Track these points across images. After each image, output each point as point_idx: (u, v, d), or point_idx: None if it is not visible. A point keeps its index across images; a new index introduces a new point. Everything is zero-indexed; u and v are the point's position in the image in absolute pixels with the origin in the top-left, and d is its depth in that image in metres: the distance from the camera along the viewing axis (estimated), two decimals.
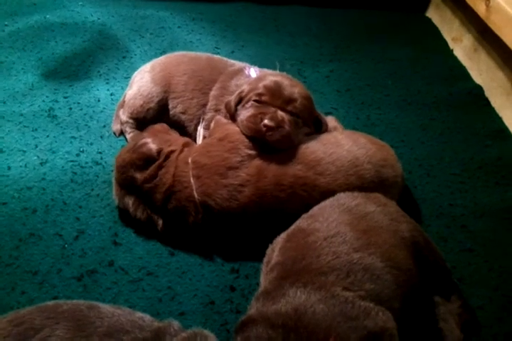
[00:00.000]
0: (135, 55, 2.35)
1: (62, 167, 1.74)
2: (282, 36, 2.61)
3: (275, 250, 1.30)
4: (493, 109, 2.14)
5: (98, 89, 2.11)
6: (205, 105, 1.74)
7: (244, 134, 1.52)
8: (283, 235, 1.33)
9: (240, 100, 1.60)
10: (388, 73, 2.36)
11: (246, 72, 1.76)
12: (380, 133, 1.93)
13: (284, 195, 1.44)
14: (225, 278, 1.44)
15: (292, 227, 1.33)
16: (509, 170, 1.83)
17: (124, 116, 1.82)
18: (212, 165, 1.46)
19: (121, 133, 1.87)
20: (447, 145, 1.94)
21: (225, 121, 1.63)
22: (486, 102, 2.18)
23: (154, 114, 1.78)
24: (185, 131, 1.76)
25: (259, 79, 1.62)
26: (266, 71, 1.78)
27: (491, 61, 2.21)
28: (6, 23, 2.47)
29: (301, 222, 1.32)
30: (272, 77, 1.60)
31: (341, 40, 2.60)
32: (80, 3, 2.69)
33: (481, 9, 2.17)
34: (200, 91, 1.76)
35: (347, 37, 2.63)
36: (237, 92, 1.63)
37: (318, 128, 1.63)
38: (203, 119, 1.73)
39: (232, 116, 1.61)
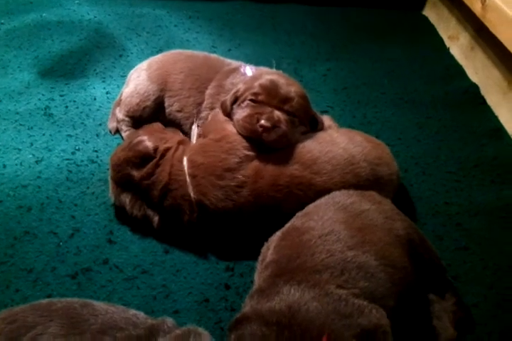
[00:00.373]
0: (131, 53, 2.34)
1: (58, 165, 1.74)
2: (279, 35, 2.61)
3: (270, 248, 1.30)
4: (489, 108, 2.15)
5: (94, 88, 2.11)
6: (201, 103, 1.74)
7: (240, 134, 1.51)
8: (278, 233, 1.33)
9: (235, 99, 1.59)
10: (385, 72, 2.36)
11: (242, 70, 1.76)
12: (377, 132, 1.94)
13: (281, 194, 1.43)
14: (220, 276, 1.44)
15: (287, 226, 1.33)
16: (505, 168, 1.83)
17: (120, 114, 1.82)
18: (209, 165, 1.46)
19: (117, 131, 1.87)
20: (443, 144, 1.94)
21: (221, 117, 1.62)
22: (482, 101, 2.18)
23: (151, 112, 1.78)
24: (181, 129, 1.76)
25: (254, 78, 1.62)
26: (262, 69, 1.78)
27: (487, 59, 2.21)
28: (2, 21, 2.47)
29: (296, 221, 1.32)
30: (268, 75, 1.59)
31: (338, 39, 2.59)
32: (77, 1, 2.69)
33: (477, 7, 2.17)
34: (197, 89, 1.76)
35: (344, 36, 2.63)
36: (232, 91, 1.62)
37: (314, 126, 1.63)
38: (199, 117, 1.73)
39: (228, 115, 1.61)
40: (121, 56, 2.32)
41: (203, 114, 1.73)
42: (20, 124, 1.90)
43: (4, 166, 1.72)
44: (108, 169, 1.59)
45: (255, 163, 1.46)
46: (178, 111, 1.76)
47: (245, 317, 1.07)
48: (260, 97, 1.51)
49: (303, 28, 2.67)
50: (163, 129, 1.66)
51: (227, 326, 1.12)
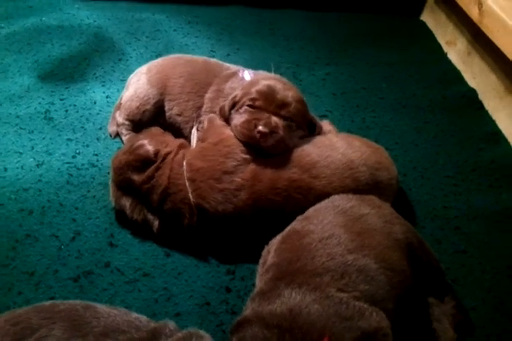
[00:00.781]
0: (131, 57, 2.35)
1: (59, 169, 1.74)
2: (278, 40, 2.62)
3: (271, 251, 1.31)
4: (486, 112, 2.16)
5: (94, 92, 2.12)
6: (200, 107, 1.75)
7: (238, 139, 1.53)
8: (278, 237, 1.33)
9: (233, 104, 1.60)
10: (383, 76, 2.37)
11: (240, 74, 1.77)
12: (375, 136, 1.95)
13: (280, 198, 1.44)
14: (221, 279, 1.45)
15: (287, 229, 1.34)
16: (502, 172, 1.84)
17: (120, 118, 1.83)
18: (208, 169, 1.47)
19: (117, 135, 1.87)
20: (441, 148, 1.96)
21: (219, 122, 1.63)
22: (480, 105, 2.20)
23: (150, 116, 1.78)
24: (181, 133, 1.77)
25: (252, 83, 1.62)
26: (260, 73, 1.78)
27: (484, 64, 2.23)
28: (2, 25, 2.48)
29: (296, 224, 1.33)
30: (265, 81, 1.59)
31: (337, 44, 2.61)
32: (76, 5, 2.70)
33: (473, 13, 2.19)
34: (196, 93, 1.77)
35: (342, 40, 2.64)
36: (230, 97, 1.63)
37: (312, 130, 1.64)
38: (198, 121, 1.74)
39: (226, 121, 1.62)
40: (120, 60, 2.33)
41: (203, 118, 1.74)
42: (21, 128, 1.91)
43: (5, 169, 1.72)
44: (109, 172, 1.60)
45: (253, 167, 1.47)
46: (178, 115, 1.77)
47: (247, 320, 1.08)
48: (258, 103, 1.52)
49: (301, 33, 2.69)
50: (163, 133, 1.67)
51: (228, 329, 1.13)
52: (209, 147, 1.53)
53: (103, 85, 2.16)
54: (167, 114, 1.78)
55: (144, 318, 1.10)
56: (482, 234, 1.62)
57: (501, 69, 2.10)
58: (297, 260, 1.18)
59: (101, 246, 1.51)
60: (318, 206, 1.38)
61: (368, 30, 2.75)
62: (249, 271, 1.46)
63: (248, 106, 1.53)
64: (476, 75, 2.30)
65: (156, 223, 1.51)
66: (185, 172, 1.48)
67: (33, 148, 1.82)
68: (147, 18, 2.67)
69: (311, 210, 1.37)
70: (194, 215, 1.46)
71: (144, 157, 1.50)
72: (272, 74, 1.76)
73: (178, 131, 1.77)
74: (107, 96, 2.09)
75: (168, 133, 1.70)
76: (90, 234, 1.54)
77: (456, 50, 2.51)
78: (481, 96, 2.24)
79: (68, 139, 1.87)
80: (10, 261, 1.45)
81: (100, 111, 2.02)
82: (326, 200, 1.39)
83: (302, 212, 1.38)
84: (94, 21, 2.56)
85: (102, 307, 1.10)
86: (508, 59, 1.93)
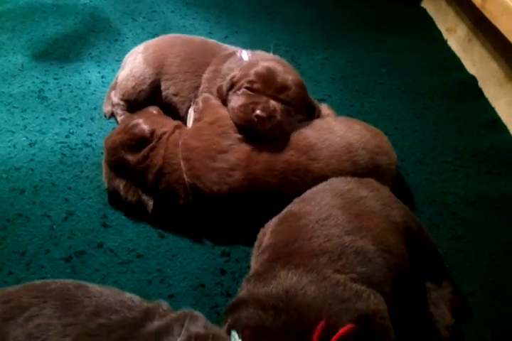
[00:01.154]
0: (127, 38, 2.32)
1: (52, 148, 1.72)
2: (276, 24, 2.58)
3: (266, 234, 1.29)
4: (486, 100, 2.14)
5: (89, 72, 2.08)
6: (197, 88, 1.72)
7: (234, 123, 1.50)
8: (274, 219, 1.32)
9: (231, 85, 1.57)
10: (383, 62, 2.35)
11: (238, 55, 1.74)
12: (374, 121, 1.91)
13: (276, 180, 1.42)
14: (216, 261, 1.43)
15: (284, 211, 1.32)
16: (501, 159, 1.83)
17: (115, 97, 1.80)
18: (203, 149, 1.45)
19: (112, 115, 1.85)
20: (440, 134, 1.94)
21: (214, 101, 1.61)
22: (480, 93, 2.18)
23: (146, 96, 1.76)
24: (178, 113, 1.74)
25: (251, 64, 1.59)
26: (259, 54, 1.75)
27: (485, 52, 2.21)
28: None
29: (293, 206, 1.31)
30: (265, 62, 1.56)
31: (335, 29, 2.57)
32: None
33: None
34: (193, 73, 1.74)
35: (341, 26, 2.60)
36: (229, 77, 1.60)
37: (311, 114, 1.62)
38: (195, 102, 1.71)
39: (224, 101, 1.59)
40: (116, 40, 2.29)
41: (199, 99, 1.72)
42: (14, 107, 1.87)
43: None
44: (102, 153, 1.58)
45: (249, 148, 1.45)
46: (174, 94, 1.74)
47: (242, 301, 1.06)
48: (256, 85, 1.49)
49: (300, 17, 2.65)
50: (159, 113, 1.65)
51: (223, 310, 1.11)
52: (205, 126, 1.51)
53: (98, 65, 2.13)
54: (163, 94, 1.75)
55: (136, 298, 1.08)
56: (480, 219, 1.60)
57: (502, 57, 2.08)
58: (294, 241, 1.16)
59: (94, 226, 1.49)
60: (315, 188, 1.36)
61: (367, 15, 2.71)
62: (244, 253, 1.44)
63: (246, 88, 1.50)
64: (476, 62, 2.27)
65: (151, 204, 1.48)
66: (180, 152, 1.45)
67: (25, 127, 1.79)
68: None
69: (308, 192, 1.35)
70: (189, 195, 1.44)
71: (140, 136, 1.47)
72: (271, 55, 1.74)
73: (175, 111, 1.74)
74: (102, 77, 2.06)
75: (165, 115, 1.67)
76: (83, 215, 1.52)
77: (456, 37, 2.49)
78: (480, 84, 2.22)
79: (62, 119, 1.84)
80: (1, 241, 1.43)
81: (95, 91, 1.98)
82: (324, 183, 1.37)
83: (299, 194, 1.36)
84: (90, 1, 2.52)
85: (94, 287, 1.07)
86: (508, 46, 1.91)
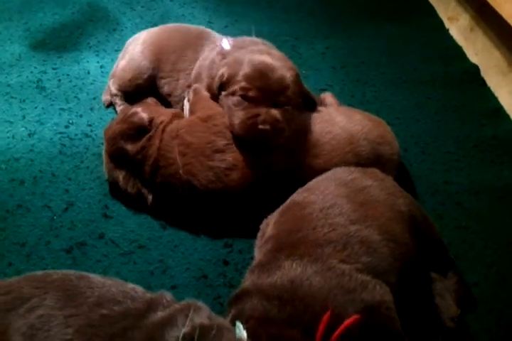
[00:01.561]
0: (126, 27, 2.29)
1: (51, 139, 1.71)
2: (276, 12, 2.55)
3: (269, 224, 1.28)
4: (488, 89, 2.12)
5: (88, 61, 2.07)
6: (190, 86, 1.69)
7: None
8: (278, 210, 1.30)
9: (221, 85, 1.49)
10: (384, 51, 2.32)
11: (218, 43, 1.67)
12: (376, 111, 1.89)
13: (277, 179, 1.41)
14: (218, 252, 1.42)
15: (287, 201, 1.31)
16: (504, 149, 1.82)
17: (113, 87, 1.78)
18: (198, 146, 1.42)
19: (111, 104, 1.83)
20: (442, 124, 1.92)
21: (205, 93, 1.57)
22: (482, 82, 2.16)
23: (143, 89, 1.75)
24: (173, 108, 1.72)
25: (237, 60, 1.49)
26: (240, 40, 1.66)
27: (488, 41, 2.18)
28: None
29: (297, 196, 1.30)
30: (252, 56, 1.47)
31: (337, 18, 2.54)
32: None
33: None
34: (185, 72, 1.71)
35: (342, 14, 2.57)
36: (217, 76, 1.51)
37: (310, 106, 1.58)
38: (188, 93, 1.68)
39: (215, 99, 1.53)
40: (115, 30, 2.27)
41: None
42: (12, 97, 1.86)
43: None
44: (102, 143, 1.56)
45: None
46: (168, 95, 1.72)
47: (246, 292, 1.05)
48: (251, 94, 1.40)
49: (300, 5, 2.62)
50: (157, 104, 1.63)
51: (226, 301, 1.10)
52: (198, 123, 1.48)
53: (97, 55, 2.11)
54: (159, 91, 1.73)
55: (139, 289, 1.07)
56: (483, 209, 1.59)
57: (505, 45, 2.06)
58: (298, 231, 1.15)
59: (95, 217, 1.48)
60: (319, 178, 1.35)
61: (368, 4, 2.68)
62: (247, 244, 1.43)
63: (241, 96, 1.41)
64: (478, 51, 2.25)
65: (150, 197, 1.47)
66: (177, 147, 1.43)
67: (24, 117, 1.78)
68: None
69: (311, 182, 1.34)
70: (185, 190, 1.42)
71: (138, 124, 1.45)
72: (254, 39, 1.66)
73: (170, 107, 1.72)
74: (101, 66, 2.04)
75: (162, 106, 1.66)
76: (84, 205, 1.51)
77: (457, 26, 2.46)
78: (483, 73, 2.20)
79: (61, 109, 1.83)
80: (0, 232, 1.42)
81: (94, 81, 1.97)
82: (328, 172, 1.36)
83: None
84: None
85: (96, 278, 1.06)
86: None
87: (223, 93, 1.49)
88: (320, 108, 1.61)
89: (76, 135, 1.72)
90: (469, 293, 1.31)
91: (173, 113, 1.55)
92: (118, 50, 2.02)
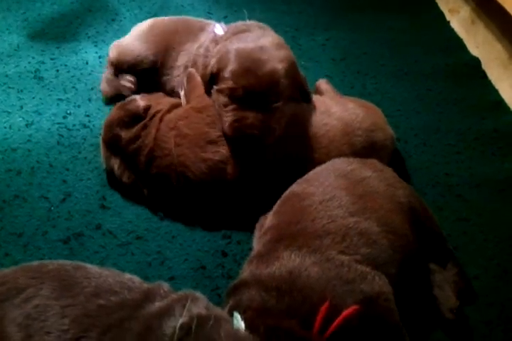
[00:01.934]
0: (124, 18, 2.28)
1: (49, 129, 1.70)
2: (276, 3, 2.53)
3: (268, 215, 1.27)
4: (489, 82, 2.11)
5: (86, 52, 2.05)
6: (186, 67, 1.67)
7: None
8: (277, 202, 1.29)
9: (212, 76, 1.45)
10: (385, 43, 2.31)
11: (210, 29, 1.66)
12: (376, 103, 1.86)
13: (273, 173, 1.40)
14: (217, 243, 1.41)
15: (287, 192, 1.30)
16: (505, 141, 1.80)
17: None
18: (193, 137, 1.41)
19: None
20: (443, 116, 1.91)
21: (199, 79, 1.54)
22: (483, 74, 2.14)
23: (135, 74, 1.75)
24: None
25: (226, 51, 1.41)
26: (234, 26, 1.63)
27: (489, 33, 2.17)
28: None
29: (296, 187, 1.29)
30: (240, 45, 1.41)
31: (336, 9, 2.52)
32: None
33: None
34: (184, 67, 1.69)
35: (342, 6, 2.55)
36: (209, 68, 1.47)
37: (304, 99, 1.52)
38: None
39: (208, 92, 1.49)
40: (113, 20, 2.25)
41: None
42: (10, 87, 1.85)
43: None
44: (100, 134, 1.55)
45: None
46: (169, 93, 1.70)
47: (244, 283, 1.04)
48: (238, 93, 1.34)
49: None
50: (163, 95, 1.62)
51: (224, 292, 1.09)
52: (193, 114, 1.46)
53: (95, 45, 2.10)
54: (161, 85, 1.73)
55: (136, 279, 1.06)
56: (484, 202, 1.58)
57: (507, 38, 2.04)
58: (297, 222, 1.14)
59: (92, 208, 1.47)
60: (318, 169, 1.33)
61: None
62: (246, 236, 1.42)
63: (229, 97, 1.37)
64: (480, 44, 2.24)
65: (146, 188, 1.46)
66: (173, 137, 1.42)
67: (22, 107, 1.77)
68: None
69: (311, 173, 1.33)
70: (181, 182, 1.41)
71: (133, 112, 1.44)
72: (248, 23, 1.63)
73: None
74: (99, 57, 2.03)
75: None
76: (81, 196, 1.50)
77: (458, 19, 2.44)
78: (484, 66, 2.18)
79: (59, 99, 1.82)
80: None
81: (92, 71, 1.96)
82: (326, 163, 1.35)
83: None
84: None
85: (93, 268, 1.06)
86: None
87: (214, 87, 1.44)
88: (315, 96, 1.58)
89: (74, 125, 1.71)
90: (469, 285, 1.30)
91: (172, 103, 1.53)
92: None
